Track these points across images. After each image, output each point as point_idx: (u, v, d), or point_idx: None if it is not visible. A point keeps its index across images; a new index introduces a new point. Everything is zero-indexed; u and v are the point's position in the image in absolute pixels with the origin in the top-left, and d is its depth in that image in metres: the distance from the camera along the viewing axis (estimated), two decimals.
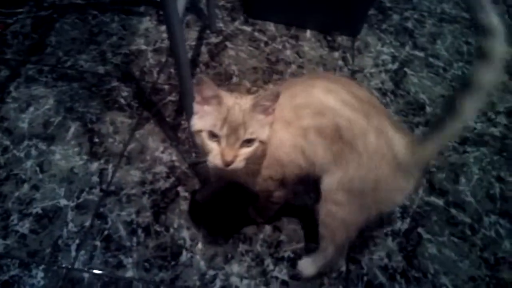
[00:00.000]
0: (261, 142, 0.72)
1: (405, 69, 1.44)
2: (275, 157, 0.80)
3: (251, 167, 0.78)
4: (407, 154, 0.73)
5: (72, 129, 1.21)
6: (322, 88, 0.76)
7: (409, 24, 1.60)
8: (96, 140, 1.19)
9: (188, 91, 1.01)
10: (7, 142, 1.17)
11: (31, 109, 1.25)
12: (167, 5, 0.84)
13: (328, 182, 0.79)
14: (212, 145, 0.70)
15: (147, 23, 1.54)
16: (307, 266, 0.95)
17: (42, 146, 1.17)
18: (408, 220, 1.08)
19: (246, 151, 0.71)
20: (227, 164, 0.69)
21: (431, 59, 1.47)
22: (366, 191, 0.76)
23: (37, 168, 1.12)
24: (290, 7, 1.50)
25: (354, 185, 0.76)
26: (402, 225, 1.07)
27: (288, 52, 1.46)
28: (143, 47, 1.46)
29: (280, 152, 0.79)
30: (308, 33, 1.53)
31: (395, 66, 1.44)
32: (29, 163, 1.13)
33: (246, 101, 0.71)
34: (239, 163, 0.70)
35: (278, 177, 0.84)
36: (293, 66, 1.42)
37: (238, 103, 0.71)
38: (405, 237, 1.06)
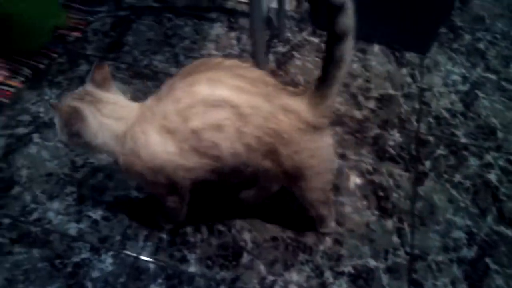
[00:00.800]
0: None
1: (476, 91, 1.40)
2: (151, 167, 0.80)
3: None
4: (313, 112, 0.77)
5: None
6: (204, 82, 0.73)
7: (481, 45, 1.56)
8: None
9: None
10: None
11: None
12: (253, 14, 0.87)
13: (270, 167, 0.81)
14: None
15: (218, 29, 1.59)
16: (331, 228, 1.04)
17: None
18: (475, 248, 1.05)
19: None
20: None
21: (503, 83, 1.43)
22: (309, 160, 0.82)
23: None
24: (358, 21, 1.50)
25: (297, 162, 0.80)
26: (468, 252, 1.04)
27: (354, 65, 1.46)
28: (214, 52, 1.50)
29: (158, 161, 0.79)
30: (376, 47, 1.53)
31: (466, 87, 1.41)
32: None
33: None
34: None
35: (164, 183, 0.84)
36: (360, 80, 1.42)
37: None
38: (471, 265, 1.02)
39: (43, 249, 1.00)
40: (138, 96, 1.28)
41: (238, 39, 1.55)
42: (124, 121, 0.80)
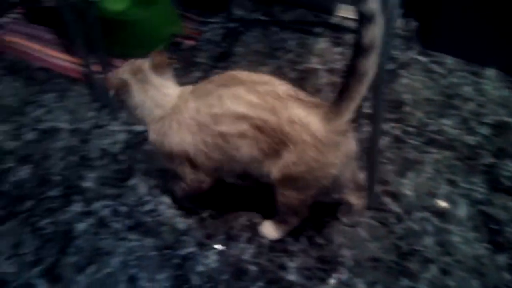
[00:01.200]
0: None
1: None
2: (177, 151, 0.92)
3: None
4: (325, 127, 0.81)
5: None
6: (229, 96, 0.85)
7: None
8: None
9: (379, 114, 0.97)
10: None
11: None
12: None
13: (273, 173, 0.88)
14: None
15: (322, 43, 1.61)
16: (271, 231, 1.05)
17: None
18: None
19: None
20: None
21: None
22: (303, 174, 0.85)
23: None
24: (473, 43, 1.45)
25: (292, 171, 0.85)
26: None
27: (466, 88, 1.41)
28: (317, 66, 1.53)
29: (184, 147, 0.91)
30: (491, 71, 1.45)
31: None
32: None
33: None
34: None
35: (186, 164, 0.94)
36: (472, 104, 1.36)
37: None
38: None
39: (154, 239, 1.07)
40: None
41: (343, 54, 1.56)
42: (162, 108, 0.92)
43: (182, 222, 1.10)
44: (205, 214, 1.12)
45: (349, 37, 1.63)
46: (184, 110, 0.90)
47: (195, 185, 1.00)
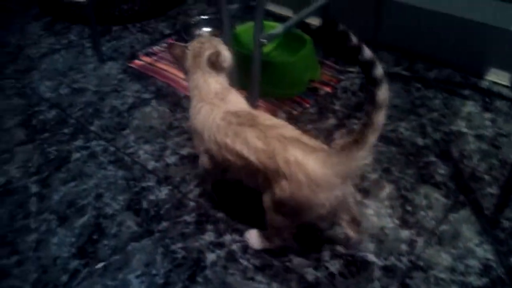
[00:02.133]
0: None
1: None
2: (205, 136, 1.03)
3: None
4: (324, 169, 0.87)
5: (386, 190, 1.25)
6: (240, 138, 0.96)
7: None
8: (409, 208, 1.19)
9: None
10: None
11: None
12: None
13: (264, 199, 0.98)
14: None
15: (470, 107, 1.51)
16: (255, 240, 1.09)
17: (357, 197, 1.23)
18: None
19: None
20: None
21: None
22: (293, 208, 0.92)
23: None
24: None
25: (282, 203, 0.93)
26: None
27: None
28: (464, 130, 1.43)
29: (211, 133, 1.02)
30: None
31: None
32: None
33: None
34: None
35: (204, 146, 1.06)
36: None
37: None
38: None
39: (280, 285, 1.03)
40: (381, 160, 1.28)
41: (493, 121, 1.45)
42: (206, 94, 1.06)
43: (311, 274, 1.05)
44: (334, 269, 1.06)
45: (500, 104, 1.51)
46: (215, 110, 1.03)
47: (204, 167, 1.11)
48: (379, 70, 0.81)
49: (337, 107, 1.55)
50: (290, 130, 0.97)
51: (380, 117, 0.82)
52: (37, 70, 1.77)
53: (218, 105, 1.04)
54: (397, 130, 1.44)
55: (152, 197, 1.25)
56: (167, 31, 1.98)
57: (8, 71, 1.77)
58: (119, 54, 1.84)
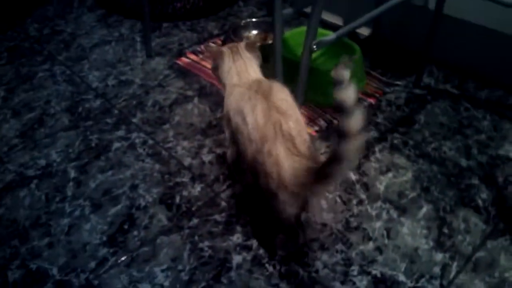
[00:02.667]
0: None
1: None
2: (228, 113, 1.05)
3: None
4: (296, 177, 0.88)
5: (424, 210, 1.20)
6: (250, 106, 0.99)
7: None
8: (446, 231, 1.14)
9: None
10: (363, 196, 1.24)
11: (390, 174, 1.31)
12: None
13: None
14: None
15: None
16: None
17: (393, 213, 1.19)
18: None
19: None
20: None
21: None
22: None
23: (384, 232, 1.14)
24: None
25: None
26: None
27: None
28: None
29: (238, 120, 1.00)
30: None
31: None
32: (378, 224, 1.17)
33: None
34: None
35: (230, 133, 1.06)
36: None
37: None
38: None
39: None
40: (421, 178, 1.23)
41: None
42: (239, 78, 1.10)
43: (338, 286, 1.03)
44: (361, 285, 1.02)
45: None
46: (249, 92, 1.01)
47: (229, 161, 1.11)
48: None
49: (379, 120, 1.51)
50: (293, 122, 0.94)
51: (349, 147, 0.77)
52: (87, 59, 1.84)
53: (251, 88, 1.04)
54: (440, 149, 1.39)
55: (185, 193, 1.26)
56: (216, 31, 2.00)
57: (60, 57, 1.84)
58: (167, 50, 1.87)
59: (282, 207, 0.93)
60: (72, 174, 1.32)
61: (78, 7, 2.22)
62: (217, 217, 1.19)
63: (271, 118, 0.94)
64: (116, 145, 1.42)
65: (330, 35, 1.24)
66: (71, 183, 1.29)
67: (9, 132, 1.48)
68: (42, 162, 1.37)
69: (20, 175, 1.33)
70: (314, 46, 1.20)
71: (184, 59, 1.82)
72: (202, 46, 1.89)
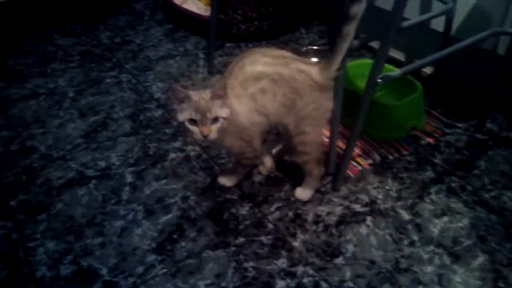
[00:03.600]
0: (224, 118, 1.05)
1: None
2: (238, 124, 1.11)
3: (225, 136, 1.11)
4: (322, 75, 1.10)
5: (479, 260, 1.15)
6: (248, 63, 1.10)
7: None
8: (501, 285, 1.09)
9: None
10: (416, 237, 1.20)
11: (445, 218, 1.26)
12: None
13: (289, 122, 1.14)
14: (193, 128, 1.04)
15: None
16: (305, 192, 1.29)
17: (446, 260, 1.15)
18: None
19: (215, 126, 1.05)
20: (205, 137, 1.04)
21: None
22: (313, 112, 1.13)
23: (436, 278, 1.10)
24: None
25: (305, 113, 1.12)
26: None
27: None
28: None
29: (240, 119, 1.11)
30: None
31: None
32: (429, 268, 1.12)
33: (207, 94, 1.03)
34: (213, 136, 1.05)
35: (247, 138, 1.16)
36: None
37: (201, 97, 1.03)
38: None
39: None
40: (478, 226, 1.18)
41: None
42: None
43: None
44: None
45: None
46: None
47: (251, 157, 1.23)
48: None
49: (437, 161, 1.47)
50: (286, 52, 1.16)
51: (349, 29, 1.01)
52: (152, 70, 1.91)
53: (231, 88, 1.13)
54: (500, 198, 1.33)
55: (233, 210, 1.27)
56: None
57: (127, 66, 1.93)
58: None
59: None
60: (129, 178, 1.37)
61: (148, 20, 2.34)
62: (263, 238, 1.19)
63: (277, 58, 1.14)
64: (172, 155, 1.46)
65: (396, 71, 1.23)
66: (127, 187, 1.34)
67: (74, 132, 1.56)
68: (102, 163, 1.43)
69: (80, 174, 1.39)
70: (379, 80, 1.19)
71: None
72: None
